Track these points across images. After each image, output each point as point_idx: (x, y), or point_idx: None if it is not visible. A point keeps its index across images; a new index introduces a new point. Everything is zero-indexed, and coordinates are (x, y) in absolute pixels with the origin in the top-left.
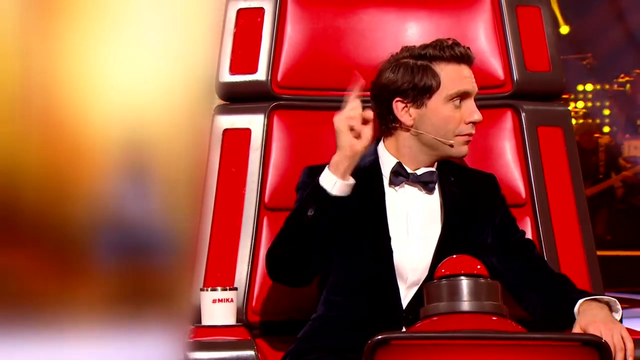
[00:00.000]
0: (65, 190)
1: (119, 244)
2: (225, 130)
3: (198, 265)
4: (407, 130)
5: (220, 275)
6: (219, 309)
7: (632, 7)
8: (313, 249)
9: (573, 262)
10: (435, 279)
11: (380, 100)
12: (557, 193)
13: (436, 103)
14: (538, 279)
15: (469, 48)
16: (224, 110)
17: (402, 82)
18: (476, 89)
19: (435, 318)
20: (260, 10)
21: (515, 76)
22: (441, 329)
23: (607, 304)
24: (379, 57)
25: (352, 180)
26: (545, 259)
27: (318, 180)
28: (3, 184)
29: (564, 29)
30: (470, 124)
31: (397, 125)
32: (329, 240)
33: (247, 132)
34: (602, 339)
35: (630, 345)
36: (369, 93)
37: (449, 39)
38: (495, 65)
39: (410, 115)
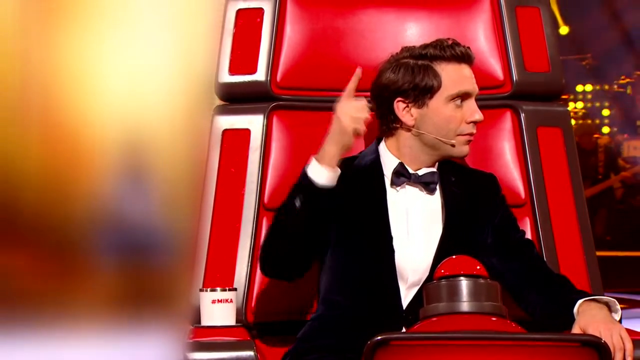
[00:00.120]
0: (64, 190)
1: (118, 244)
2: (225, 131)
3: (197, 266)
4: (409, 130)
5: (219, 276)
6: (218, 310)
7: (628, 6)
8: (302, 240)
9: (572, 262)
10: (435, 279)
11: (381, 101)
12: (557, 193)
13: (437, 103)
14: (538, 279)
15: (469, 47)
16: (223, 110)
17: (403, 82)
18: (477, 89)
19: (434, 319)
20: (260, 11)
21: (515, 76)
22: (441, 330)
23: (607, 304)
24: (379, 58)
25: (338, 170)
26: (545, 259)
27: (305, 171)
28: (3, 185)
29: (564, 30)
30: (472, 124)
31: (398, 125)
32: (318, 231)
33: (246, 132)
34: (601, 339)
35: (629, 345)
36: (369, 93)
37: (449, 38)
38: (495, 66)
39: (412, 116)
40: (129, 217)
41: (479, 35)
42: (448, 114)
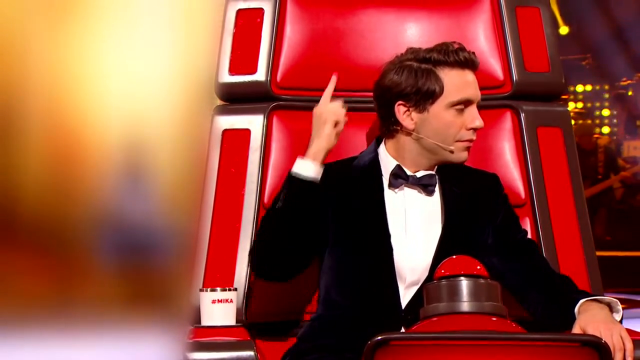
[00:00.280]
0: (65, 190)
1: (119, 244)
2: (225, 131)
3: (197, 266)
4: (409, 134)
5: (219, 276)
6: (218, 310)
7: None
8: (288, 237)
9: (572, 262)
10: (435, 279)
11: (382, 102)
12: (557, 193)
13: (438, 108)
14: (539, 279)
15: (474, 53)
16: (223, 110)
17: (406, 86)
18: (479, 96)
19: (434, 319)
20: (260, 11)
21: (515, 77)
22: (441, 330)
23: (608, 304)
24: (378, 58)
25: (322, 166)
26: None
27: (291, 171)
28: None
29: (564, 30)
30: (472, 130)
31: (399, 128)
32: (304, 228)
33: (246, 132)
34: (601, 339)
35: (629, 345)
36: (370, 94)
37: (454, 42)
38: (495, 66)
39: (412, 119)
40: (129, 217)
41: (479, 35)
42: (448, 120)
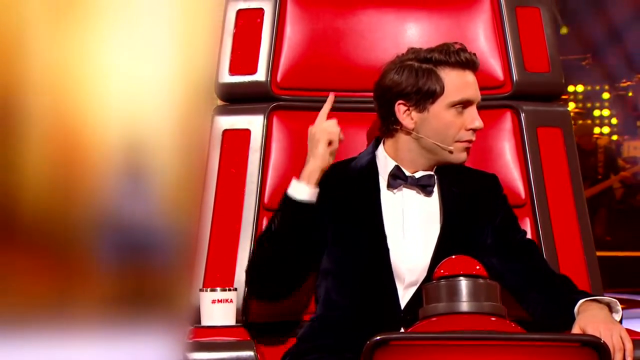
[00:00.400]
0: (65, 190)
1: (119, 244)
2: (225, 131)
3: (197, 266)
4: (408, 133)
5: (219, 276)
6: (218, 310)
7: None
8: (284, 259)
9: (572, 262)
10: (434, 279)
11: (382, 102)
12: (557, 194)
13: (439, 108)
14: (539, 279)
15: (474, 54)
16: (223, 111)
17: (406, 85)
18: (479, 96)
19: (434, 319)
20: (260, 11)
21: (515, 77)
22: (440, 330)
23: (608, 304)
24: (379, 58)
25: (317, 188)
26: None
27: (286, 193)
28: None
29: (563, 30)
30: (471, 131)
31: (398, 127)
32: (299, 250)
33: (246, 132)
34: (601, 339)
35: (629, 345)
36: (370, 94)
37: (456, 43)
38: (495, 66)
39: (412, 119)
40: (129, 217)
41: (479, 36)
42: (448, 120)
